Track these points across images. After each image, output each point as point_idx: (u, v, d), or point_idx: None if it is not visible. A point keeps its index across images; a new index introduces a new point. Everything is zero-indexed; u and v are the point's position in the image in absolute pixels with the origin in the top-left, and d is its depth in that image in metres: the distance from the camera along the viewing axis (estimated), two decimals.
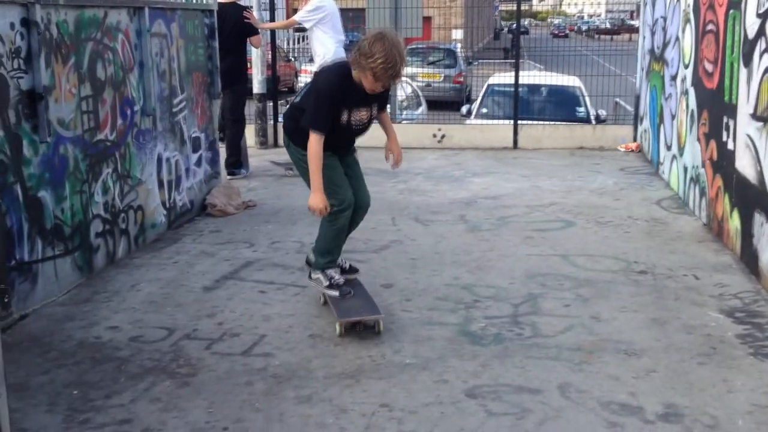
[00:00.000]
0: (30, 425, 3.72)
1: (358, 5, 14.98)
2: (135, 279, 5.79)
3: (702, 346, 4.56)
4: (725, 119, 6.43)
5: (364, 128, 4.96)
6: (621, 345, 4.57)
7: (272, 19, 11.73)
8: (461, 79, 21.01)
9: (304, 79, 16.14)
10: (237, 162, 9.50)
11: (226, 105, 9.13)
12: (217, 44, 8.12)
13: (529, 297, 5.38)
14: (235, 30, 9.05)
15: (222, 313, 5.11)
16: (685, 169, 7.90)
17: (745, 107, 5.91)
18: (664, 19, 9.27)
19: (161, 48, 6.84)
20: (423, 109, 15.02)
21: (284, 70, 20.20)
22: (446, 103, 14.83)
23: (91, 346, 4.61)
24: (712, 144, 6.83)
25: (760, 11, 5.60)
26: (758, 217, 5.61)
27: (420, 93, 15.97)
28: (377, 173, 8.34)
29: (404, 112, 13.85)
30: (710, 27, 7.01)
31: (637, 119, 11.37)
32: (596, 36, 36.93)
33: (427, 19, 21.23)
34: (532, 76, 13.09)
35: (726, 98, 6.43)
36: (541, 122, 11.95)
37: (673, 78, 8.57)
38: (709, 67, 7.04)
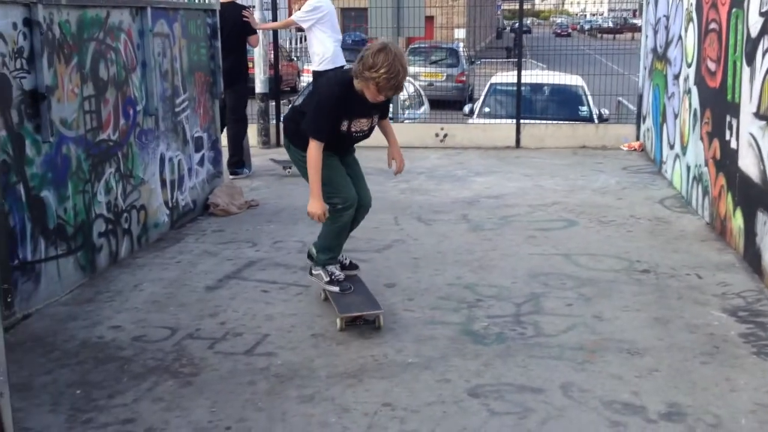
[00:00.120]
0: (33, 425, 3.73)
1: (360, 5, 14.99)
2: (138, 279, 5.79)
3: (705, 345, 4.56)
4: (728, 118, 6.43)
5: (364, 136, 5.01)
6: (623, 344, 4.57)
7: (274, 19, 11.74)
8: (464, 79, 21.03)
9: (306, 79, 16.14)
10: (239, 162, 9.50)
11: (227, 105, 9.13)
12: (219, 44, 8.12)
13: (531, 296, 5.37)
14: (234, 30, 9.05)
15: (225, 313, 5.12)
16: (688, 168, 7.90)
17: (747, 106, 5.91)
18: (667, 17, 9.26)
19: (164, 48, 6.84)
20: (425, 108, 15.03)
21: (287, 70, 20.20)
22: (449, 103, 14.84)
23: (94, 346, 4.61)
24: (715, 143, 6.83)
25: (763, 10, 5.59)
26: (761, 216, 5.60)
27: (422, 92, 15.98)
28: (379, 173, 8.33)
29: (406, 112, 13.86)
30: (713, 26, 7.00)
31: (639, 118, 11.36)
32: (599, 35, 36.93)
33: (430, 19, 21.21)
34: (534, 75, 13.09)
35: (729, 97, 6.42)
36: (544, 121, 11.95)
37: (676, 77, 8.57)
38: (711, 65, 7.03)
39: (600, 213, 7.62)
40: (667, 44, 9.17)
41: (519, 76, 11.73)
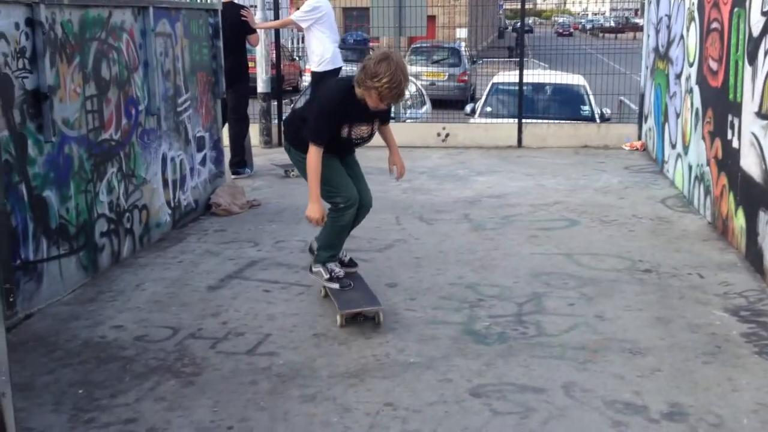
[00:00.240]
0: (35, 424, 3.73)
1: (362, 4, 14.99)
2: (140, 278, 5.80)
3: (707, 344, 4.55)
4: (730, 117, 6.42)
5: (364, 141, 5.10)
6: (625, 344, 4.57)
7: (276, 19, 11.73)
8: (465, 78, 21.01)
9: (308, 79, 16.14)
10: (241, 162, 9.51)
11: (228, 105, 9.13)
12: (221, 44, 8.13)
13: (533, 296, 5.37)
14: (234, 29, 9.05)
15: (226, 313, 5.12)
16: (690, 167, 7.89)
17: (749, 105, 5.90)
18: (669, 17, 9.26)
19: (166, 47, 6.85)
20: (427, 107, 15.01)
21: (288, 70, 20.22)
22: (450, 102, 14.82)
23: (96, 346, 4.62)
24: (717, 142, 6.82)
25: (765, 9, 5.59)
26: (763, 216, 5.60)
27: (424, 92, 15.96)
28: (380, 172, 8.30)
29: (408, 111, 13.85)
30: (715, 25, 7.00)
31: (641, 118, 11.36)
32: (600, 34, 36.90)
33: (432, 18, 21.22)
34: (536, 74, 13.08)
35: (731, 96, 6.42)
36: (546, 121, 11.94)
37: (678, 76, 8.56)
38: (713, 65, 7.03)
39: (602, 212, 7.62)
40: (669, 43, 9.17)
41: (521, 75, 11.72)
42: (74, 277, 5.50)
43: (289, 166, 8.71)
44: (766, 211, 5.55)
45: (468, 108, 13.58)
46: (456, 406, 3.87)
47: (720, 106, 6.77)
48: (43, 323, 4.93)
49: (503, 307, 5.18)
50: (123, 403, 3.93)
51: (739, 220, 6.17)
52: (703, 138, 7.33)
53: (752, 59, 5.85)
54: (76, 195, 5.49)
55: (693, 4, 7.89)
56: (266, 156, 10.70)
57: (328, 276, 5.18)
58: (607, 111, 12.68)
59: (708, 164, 7.13)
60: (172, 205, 7.04)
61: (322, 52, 9.23)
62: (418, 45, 22.07)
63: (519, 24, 13.65)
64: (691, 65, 7.94)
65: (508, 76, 13.31)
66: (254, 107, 11.52)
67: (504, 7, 52.84)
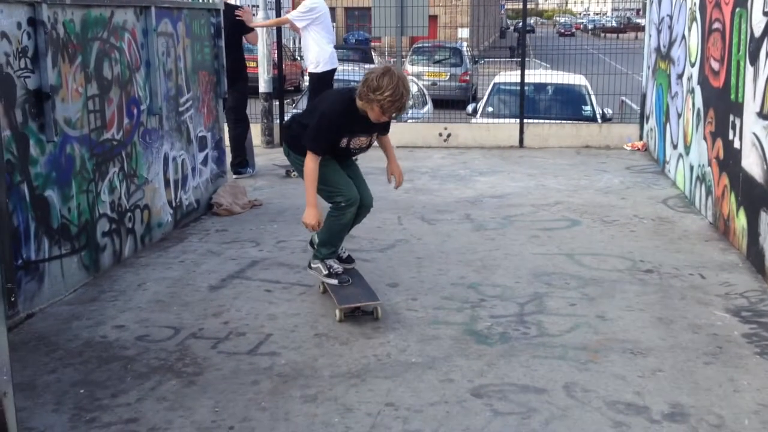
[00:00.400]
0: (36, 424, 3.74)
1: (363, 4, 14.99)
2: (141, 278, 5.80)
3: (708, 345, 4.55)
4: (731, 118, 6.42)
5: (362, 151, 5.21)
6: (627, 344, 4.57)
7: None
8: (467, 78, 21.01)
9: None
10: (243, 162, 9.51)
11: (228, 105, 9.12)
12: (223, 43, 8.13)
13: (534, 296, 5.37)
14: (230, 30, 9.04)
15: (228, 312, 5.12)
16: (692, 167, 7.89)
17: (751, 106, 5.90)
18: (670, 17, 9.25)
19: (168, 47, 6.85)
20: (429, 107, 15.02)
21: (290, 69, 20.22)
22: (452, 102, 14.80)
23: (97, 345, 4.62)
24: (719, 143, 6.82)
25: (767, 9, 5.59)
26: (764, 216, 5.60)
27: (426, 92, 15.97)
28: (382, 172, 8.28)
29: (410, 111, 13.85)
30: (716, 25, 7.00)
31: (643, 118, 11.35)
32: (602, 34, 36.89)
33: (433, 18, 21.24)
34: (538, 74, 13.08)
35: (732, 97, 6.42)
36: (547, 121, 11.94)
37: (680, 76, 8.56)
38: (715, 65, 7.02)
39: (603, 213, 7.62)
40: (671, 43, 9.17)
41: (522, 75, 11.72)
42: (76, 276, 5.50)
43: (290, 166, 8.71)
44: (767, 211, 5.54)
45: (469, 108, 13.57)
46: (457, 406, 3.87)
47: (721, 106, 6.77)
48: (45, 323, 4.93)
49: (505, 307, 5.18)
50: (124, 402, 3.93)
51: (741, 221, 6.17)
52: (705, 138, 7.33)
53: (754, 59, 5.85)
54: (77, 195, 5.49)
55: (695, 4, 7.89)
56: (268, 156, 10.70)
57: (326, 272, 5.25)
58: (608, 111, 12.68)
59: (709, 164, 7.13)
60: (174, 204, 7.05)
61: (320, 53, 9.21)
62: (420, 45, 22.08)
63: (521, 24, 13.64)
64: (692, 65, 7.93)
65: (509, 76, 13.31)
66: (256, 107, 11.54)
67: (506, 7, 52.86)
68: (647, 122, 11.06)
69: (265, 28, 11.34)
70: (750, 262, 5.93)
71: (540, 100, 12.89)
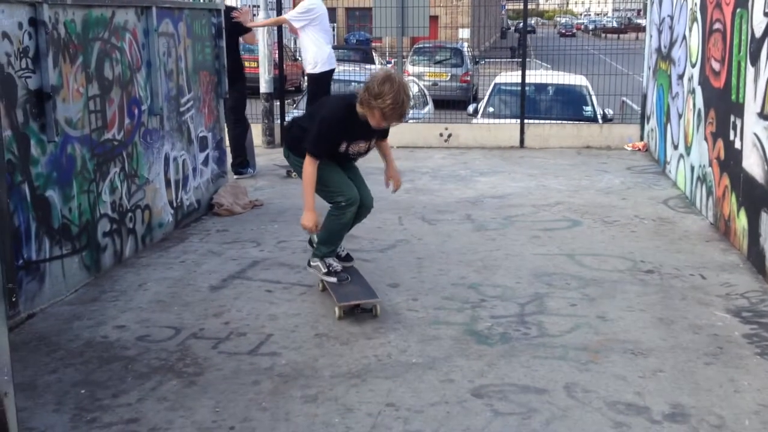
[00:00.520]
0: (37, 424, 3.74)
1: (364, 4, 14.98)
2: (142, 278, 5.80)
3: (709, 345, 4.55)
4: (732, 118, 6.42)
5: (360, 156, 5.28)
6: (627, 345, 4.57)
7: None
8: (468, 78, 21.02)
9: None
10: (243, 162, 9.51)
11: (227, 105, 9.12)
12: (224, 44, 8.13)
13: (535, 296, 5.37)
14: (229, 31, 9.02)
15: (229, 313, 5.13)
16: (692, 168, 7.89)
17: (752, 106, 5.90)
18: (671, 17, 9.25)
19: (168, 47, 6.85)
20: (429, 108, 15.03)
21: (291, 70, 20.22)
22: (453, 102, 14.81)
23: (98, 346, 4.62)
24: (719, 143, 6.82)
25: (767, 10, 5.59)
26: (765, 217, 5.60)
27: (426, 92, 15.98)
28: (382, 172, 8.33)
29: (411, 111, 13.85)
30: (717, 26, 7.00)
31: (644, 118, 11.35)
32: (603, 35, 36.88)
33: (434, 18, 21.23)
34: (538, 75, 13.08)
35: (733, 97, 6.42)
36: (548, 121, 11.94)
37: (680, 77, 8.56)
38: (716, 65, 7.02)
39: (604, 213, 7.62)
40: (672, 44, 9.16)
41: (523, 75, 11.72)
42: (77, 276, 5.50)
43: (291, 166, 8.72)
44: None
45: (470, 108, 13.58)
46: (458, 406, 3.87)
47: (722, 106, 6.77)
48: (46, 323, 4.94)
49: (505, 307, 5.18)
50: (125, 403, 3.93)
51: (741, 221, 6.17)
52: (706, 139, 7.33)
53: (754, 60, 5.85)
54: (78, 195, 5.49)
55: (695, 4, 7.89)
56: (268, 156, 10.71)
57: (325, 270, 5.29)
58: (609, 111, 12.68)
59: (710, 165, 7.13)
60: (175, 205, 7.05)
61: (318, 53, 9.19)
62: (421, 45, 22.08)
63: (521, 24, 13.64)
64: (693, 66, 7.93)
65: (510, 77, 13.32)
66: (257, 107, 11.54)
67: (506, 7, 52.85)
68: (648, 123, 11.06)
69: (266, 29, 11.34)
70: (750, 262, 5.93)
71: (541, 100, 12.89)
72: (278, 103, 11.89)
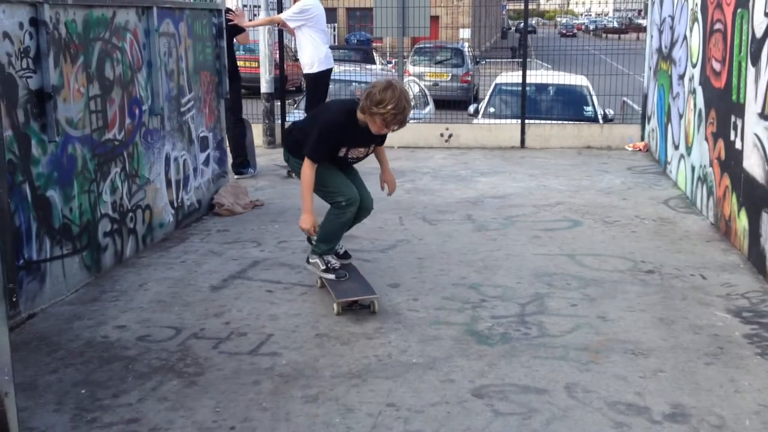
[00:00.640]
0: (38, 424, 3.74)
1: (365, 5, 14.98)
2: (143, 278, 5.81)
3: (709, 346, 4.55)
4: (733, 118, 6.42)
5: (358, 161, 5.36)
6: (628, 345, 4.57)
7: None
8: (469, 79, 21.02)
9: None
10: (244, 162, 9.51)
11: (226, 106, 9.12)
12: (225, 44, 8.14)
13: (536, 296, 5.37)
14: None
15: (229, 313, 5.13)
16: (693, 168, 7.89)
17: (753, 106, 5.90)
18: (672, 18, 9.25)
19: (169, 47, 6.86)
20: (430, 108, 15.03)
21: (292, 70, 20.19)
22: (453, 103, 14.81)
23: (98, 346, 4.62)
24: (720, 143, 6.82)
25: None
26: (766, 217, 5.60)
27: (427, 92, 15.98)
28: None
29: (411, 112, 13.85)
30: (718, 26, 7.00)
31: (644, 118, 11.35)
32: (604, 35, 36.89)
33: (435, 19, 21.26)
34: (539, 75, 13.08)
35: (734, 97, 6.42)
36: (549, 121, 11.94)
37: (681, 77, 8.56)
38: (716, 66, 7.02)
39: (605, 213, 7.62)
40: (672, 44, 9.16)
41: (524, 76, 11.72)
42: (77, 276, 5.51)
43: None
44: None
45: (471, 108, 13.58)
46: (458, 406, 3.87)
47: (723, 107, 6.77)
48: (46, 323, 4.94)
49: (506, 307, 5.18)
50: (125, 403, 3.93)
51: (742, 221, 6.17)
52: (706, 139, 7.33)
53: (755, 60, 5.85)
54: (79, 195, 5.49)
55: (696, 5, 7.89)
56: (269, 156, 10.71)
57: (324, 267, 5.35)
58: (610, 112, 12.68)
59: (711, 165, 7.13)
60: (176, 205, 7.05)
61: (313, 52, 9.17)
62: (422, 45, 22.08)
63: (522, 24, 13.64)
64: (694, 66, 7.93)
65: (511, 77, 13.32)
66: (257, 108, 11.54)
67: (507, 7, 52.85)
68: (649, 123, 11.05)
69: (266, 29, 11.34)
70: (751, 262, 5.93)
71: (541, 100, 12.89)
72: (279, 103, 11.89)
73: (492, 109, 12.85)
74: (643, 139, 11.34)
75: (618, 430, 3.66)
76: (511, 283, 5.65)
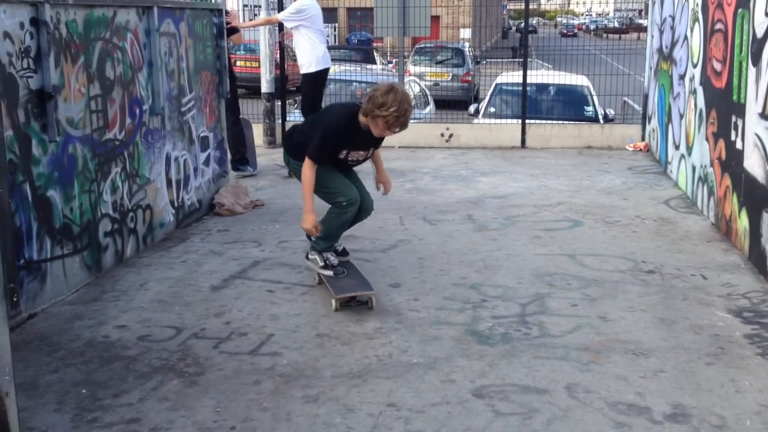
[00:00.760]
0: (38, 424, 3.74)
1: (366, 4, 14.98)
2: (143, 278, 5.81)
3: (710, 346, 4.55)
4: (734, 118, 6.42)
5: (358, 163, 5.42)
6: (629, 345, 4.57)
7: None
8: (469, 78, 21.01)
9: None
10: (242, 159, 9.51)
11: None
12: (225, 44, 8.13)
13: (536, 297, 5.37)
14: None
15: (230, 313, 5.13)
16: (694, 168, 7.89)
17: (753, 106, 5.90)
18: (673, 18, 9.25)
19: (170, 47, 6.86)
20: (431, 108, 15.02)
21: (292, 70, 20.17)
22: (454, 103, 14.82)
23: (99, 345, 4.62)
24: (721, 143, 6.82)
25: None
26: (766, 217, 5.59)
27: (428, 92, 15.97)
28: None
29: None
30: (719, 26, 7.00)
31: (645, 118, 11.35)
32: (604, 35, 36.88)
33: (435, 18, 21.21)
34: (540, 75, 13.08)
35: (734, 97, 6.42)
36: (549, 121, 11.94)
37: (682, 77, 8.56)
38: (717, 66, 7.02)
39: (605, 213, 7.62)
40: (673, 44, 9.16)
41: (524, 76, 11.71)
42: (78, 276, 5.51)
43: None
44: None
45: (471, 108, 13.58)
46: (459, 406, 3.87)
47: (724, 107, 6.76)
48: (47, 323, 4.94)
49: (506, 307, 5.18)
50: (126, 402, 3.93)
51: (743, 221, 6.16)
52: (707, 139, 7.32)
53: (756, 60, 5.85)
54: (80, 195, 5.50)
55: (697, 5, 7.89)
56: (270, 156, 10.71)
57: (323, 263, 5.42)
58: (610, 112, 12.68)
59: (711, 165, 7.12)
60: (176, 204, 7.05)
61: (311, 52, 9.16)
62: (422, 45, 22.08)
63: (523, 24, 13.63)
64: (694, 66, 7.93)
65: (511, 77, 13.31)
66: (258, 107, 11.54)
67: (508, 7, 52.83)
68: (649, 123, 11.05)
69: (267, 29, 11.33)
70: (752, 262, 5.93)
71: (542, 100, 12.89)
72: (279, 103, 11.89)
73: (492, 109, 12.85)
74: (643, 139, 11.34)
75: (619, 430, 3.66)
76: (511, 283, 5.65)
